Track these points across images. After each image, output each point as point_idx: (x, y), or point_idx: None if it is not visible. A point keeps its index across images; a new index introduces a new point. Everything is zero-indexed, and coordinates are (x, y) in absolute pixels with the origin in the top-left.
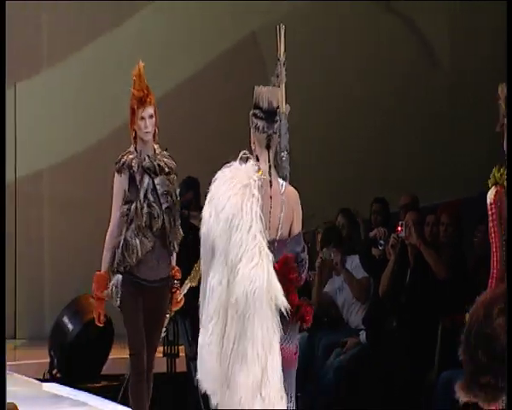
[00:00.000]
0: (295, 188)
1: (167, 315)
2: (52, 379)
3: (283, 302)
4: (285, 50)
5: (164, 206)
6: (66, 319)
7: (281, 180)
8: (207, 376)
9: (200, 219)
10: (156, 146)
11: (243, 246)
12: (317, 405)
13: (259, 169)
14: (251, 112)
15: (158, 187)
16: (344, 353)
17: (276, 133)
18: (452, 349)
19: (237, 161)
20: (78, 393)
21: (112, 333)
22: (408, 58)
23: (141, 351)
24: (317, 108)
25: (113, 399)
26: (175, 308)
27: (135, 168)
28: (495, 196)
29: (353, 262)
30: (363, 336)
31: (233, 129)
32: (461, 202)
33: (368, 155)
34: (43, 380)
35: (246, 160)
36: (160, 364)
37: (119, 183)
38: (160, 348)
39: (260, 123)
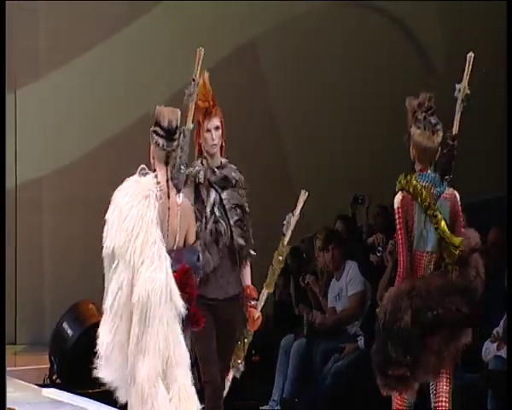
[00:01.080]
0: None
1: (245, 339)
2: (52, 385)
3: (180, 303)
4: (200, 73)
5: (233, 219)
6: (66, 325)
7: (177, 192)
8: (114, 373)
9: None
10: (223, 160)
11: (144, 252)
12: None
13: (158, 182)
14: (151, 128)
15: (225, 201)
16: (342, 358)
17: (174, 151)
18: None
19: (137, 174)
20: (78, 398)
21: None
22: (406, 62)
23: (217, 379)
24: (320, 108)
25: (113, 404)
26: (252, 329)
27: (201, 182)
28: (401, 201)
29: (351, 269)
30: (361, 341)
31: (234, 134)
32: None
33: (368, 158)
34: (43, 385)
35: (145, 174)
36: None
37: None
38: None
39: (160, 140)
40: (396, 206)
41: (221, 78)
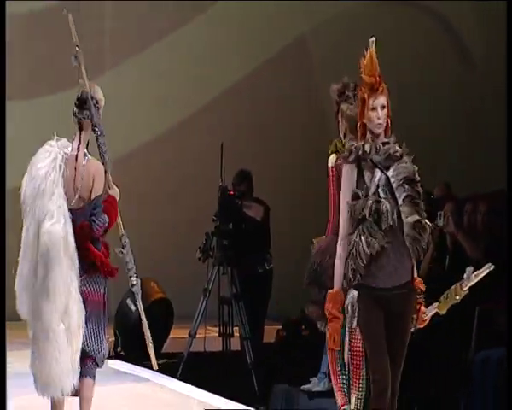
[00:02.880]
0: None
1: (411, 329)
2: (117, 357)
3: (75, 254)
4: (76, 36)
5: (401, 197)
6: (129, 301)
7: (88, 155)
8: (22, 307)
9: (251, 210)
10: (386, 139)
11: (46, 207)
12: None
13: (68, 145)
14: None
15: (392, 179)
16: None
17: (85, 119)
18: (488, 331)
19: (54, 140)
20: (141, 369)
21: (172, 314)
22: (441, 55)
23: (386, 378)
24: None
25: (173, 375)
26: (420, 326)
27: (364, 161)
28: (336, 161)
29: None
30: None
31: (281, 125)
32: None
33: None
34: (109, 357)
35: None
36: (216, 343)
37: (348, 176)
38: (216, 329)
39: (74, 108)
40: (330, 165)
41: (273, 71)
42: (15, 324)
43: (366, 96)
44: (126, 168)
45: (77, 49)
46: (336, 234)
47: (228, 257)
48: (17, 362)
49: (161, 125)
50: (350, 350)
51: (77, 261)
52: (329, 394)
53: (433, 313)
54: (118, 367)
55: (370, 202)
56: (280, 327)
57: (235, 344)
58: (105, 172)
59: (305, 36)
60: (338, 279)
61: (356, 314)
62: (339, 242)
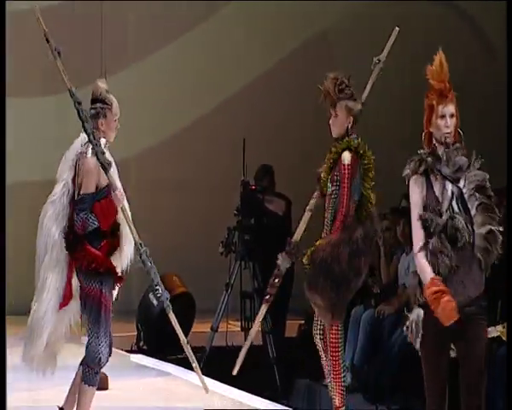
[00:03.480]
0: None
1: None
2: (139, 351)
3: (51, 232)
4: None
5: (474, 206)
6: (151, 296)
7: (90, 154)
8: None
9: (273, 204)
10: (454, 149)
11: (54, 190)
12: (381, 376)
13: (85, 143)
14: None
15: (464, 190)
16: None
17: (84, 117)
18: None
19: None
20: (163, 363)
21: (194, 309)
22: (466, 55)
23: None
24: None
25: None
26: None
27: (433, 175)
28: (352, 158)
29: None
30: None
31: (302, 123)
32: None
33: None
34: (131, 352)
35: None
36: (238, 337)
37: (416, 191)
38: (238, 323)
39: None
40: (347, 162)
41: (292, 68)
42: (15, 318)
43: (435, 102)
44: (138, 167)
45: (49, 45)
46: (346, 229)
47: (250, 252)
48: (18, 356)
49: (174, 125)
50: (331, 343)
51: (52, 240)
52: (351, 388)
53: (494, 335)
54: (140, 361)
55: (445, 218)
56: (302, 322)
57: (257, 339)
58: (105, 172)
59: (318, 37)
60: (428, 273)
61: (419, 335)
62: (416, 254)
